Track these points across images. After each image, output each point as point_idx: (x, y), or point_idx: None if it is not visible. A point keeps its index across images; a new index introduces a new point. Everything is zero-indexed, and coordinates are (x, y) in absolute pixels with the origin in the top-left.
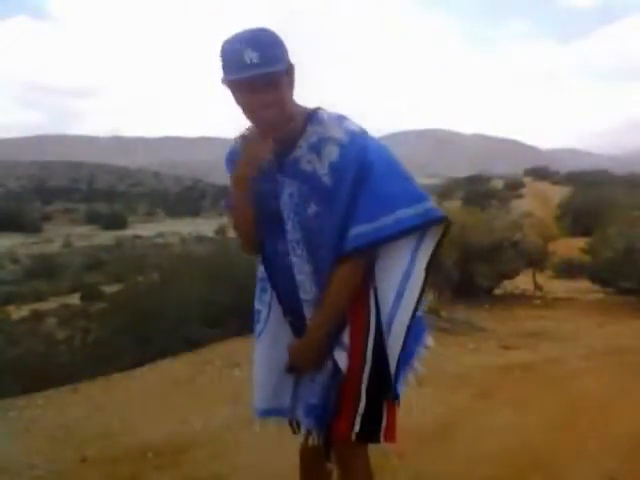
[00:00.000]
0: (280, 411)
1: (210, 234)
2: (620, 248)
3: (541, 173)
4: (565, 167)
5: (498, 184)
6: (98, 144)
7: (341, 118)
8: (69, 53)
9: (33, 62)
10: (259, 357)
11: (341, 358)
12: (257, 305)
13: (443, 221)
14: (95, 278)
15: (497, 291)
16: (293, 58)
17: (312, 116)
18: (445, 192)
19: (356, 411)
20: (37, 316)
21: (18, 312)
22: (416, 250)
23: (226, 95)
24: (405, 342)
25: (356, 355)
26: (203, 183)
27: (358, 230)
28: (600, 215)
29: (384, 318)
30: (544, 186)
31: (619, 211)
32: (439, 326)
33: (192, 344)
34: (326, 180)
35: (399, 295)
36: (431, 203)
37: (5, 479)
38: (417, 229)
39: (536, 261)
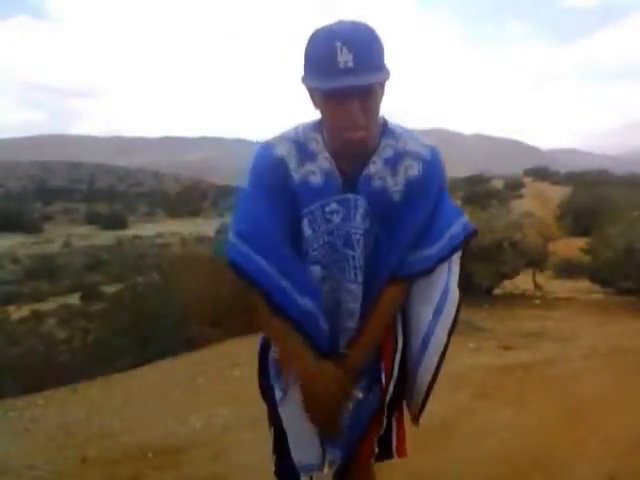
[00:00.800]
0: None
1: (210, 234)
2: (620, 248)
3: (541, 173)
4: (565, 167)
5: (498, 184)
6: (98, 144)
7: (411, 131)
8: (69, 53)
9: (33, 62)
10: (295, 415)
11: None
12: (274, 353)
13: (476, 234)
14: (95, 278)
15: (497, 291)
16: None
17: (385, 129)
18: None
19: (378, 433)
20: (37, 316)
21: (18, 312)
22: (449, 267)
23: (226, 95)
24: (442, 360)
25: (386, 379)
26: (203, 183)
27: (428, 252)
28: (600, 215)
29: (419, 336)
30: (544, 186)
31: (619, 211)
32: None
33: (192, 344)
34: (396, 197)
35: (438, 312)
36: (465, 216)
37: (5, 479)
38: (465, 243)
39: (536, 261)
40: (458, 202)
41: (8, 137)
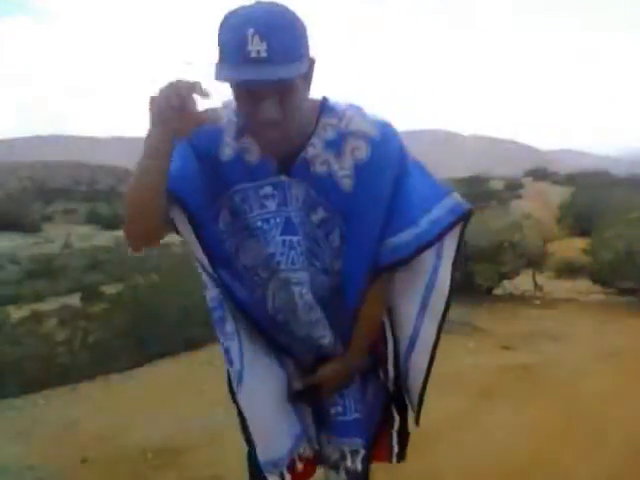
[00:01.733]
0: (296, 448)
1: None
2: (620, 249)
3: (541, 174)
4: (565, 168)
5: (498, 185)
6: (99, 144)
7: (358, 107)
8: (70, 52)
9: (33, 61)
10: (253, 404)
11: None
12: (222, 341)
13: (471, 214)
14: (95, 278)
15: (497, 291)
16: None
17: (324, 106)
18: None
19: (392, 427)
20: (37, 316)
21: (18, 312)
22: (439, 254)
23: (226, 94)
24: (432, 359)
25: (383, 366)
26: None
27: (399, 239)
28: (600, 216)
29: (406, 335)
30: (544, 187)
31: (619, 212)
32: None
33: (192, 345)
34: (346, 183)
35: (423, 307)
36: (456, 195)
37: (5, 479)
38: (452, 228)
39: (536, 261)
40: None
41: (8, 137)
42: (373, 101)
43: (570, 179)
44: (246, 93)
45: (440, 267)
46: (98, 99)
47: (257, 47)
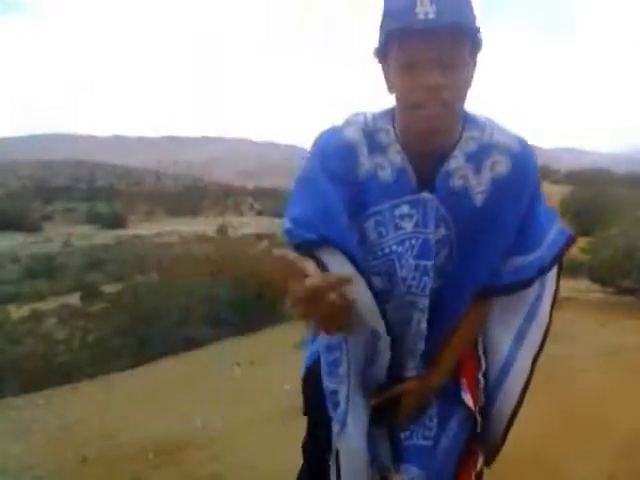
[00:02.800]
0: None
1: (210, 233)
2: (620, 247)
3: (542, 172)
4: (566, 166)
5: None
6: (98, 143)
7: (493, 119)
8: (70, 51)
9: (33, 60)
10: (351, 447)
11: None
12: (328, 384)
13: (574, 241)
14: (95, 278)
15: None
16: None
17: (467, 117)
18: None
19: (475, 468)
20: (37, 316)
21: (18, 312)
22: (543, 283)
23: (227, 94)
24: (525, 392)
25: (474, 398)
26: (204, 182)
27: (525, 260)
28: (601, 214)
29: (498, 363)
30: (545, 185)
31: (620, 210)
32: None
33: (192, 344)
34: (478, 199)
35: (520, 337)
36: (559, 218)
37: (5, 479)
38: (564, 252)
39: None
40: None
41: (8, 136)
42: (373, 101)
43: (571, 177)
44: (406, 66)
45: (543, 296)
46: (97, 97)
47: (425, 9)
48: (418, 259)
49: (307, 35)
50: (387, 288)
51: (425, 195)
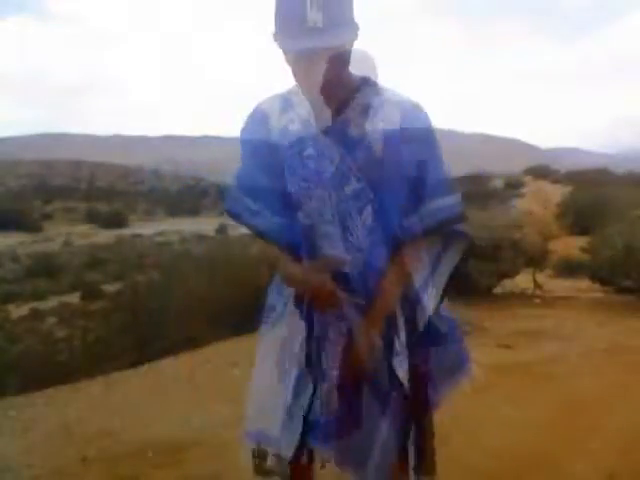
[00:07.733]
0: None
1: (211, 233)
2: (620, 247)
3: (541, 172)
4: (565, 166)
5: (498, 183)
6: (98, 142)
7: (393, 90)
8: (70, 51)
9: (34, 60)
10: (265, 357)
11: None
12: (272, 300)
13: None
14: (95, 277)
15: (497, 290)
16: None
17: (365, 79)
18: None
19: (408, 438)
20: (37, 315)
21: (18, 311)
22: (438, 257)
23: (227, 94)
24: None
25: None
26: (204, 182)
27: (437, 204)
28: (600, 214)
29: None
30: (544, 185)
31: (619, 210)
32: None
33: (192, 343)
34: (377, 147)
35: (425, 285)
36: (455, 197)
37: (5, 479)
38: (461, 219)
39: (536, 260)
40: None
41: (8, 135)
42: None
43: (570, 177)
44: (299, 60)
45: (443, 258)
46: (98, 97)
47: (315, 17)
48: (319, 189)
49: None
50: (307, 222)
51: (321, 137)
